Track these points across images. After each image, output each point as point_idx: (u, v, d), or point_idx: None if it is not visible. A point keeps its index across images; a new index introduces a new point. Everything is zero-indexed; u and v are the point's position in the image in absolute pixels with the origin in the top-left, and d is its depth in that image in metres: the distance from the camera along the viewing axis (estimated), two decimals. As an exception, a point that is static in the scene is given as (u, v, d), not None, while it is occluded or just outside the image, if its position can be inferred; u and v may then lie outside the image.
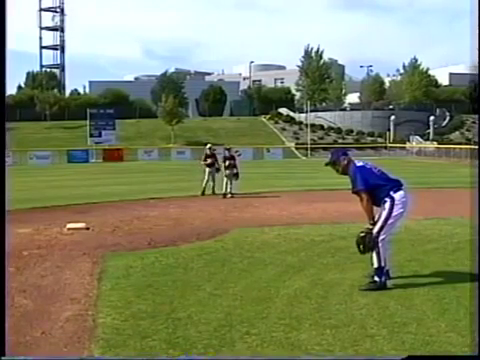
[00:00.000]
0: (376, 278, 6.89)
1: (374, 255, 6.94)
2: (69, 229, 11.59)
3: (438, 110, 71.93)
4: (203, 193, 18.95)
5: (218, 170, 19.33)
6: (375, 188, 7.00)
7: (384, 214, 6.93)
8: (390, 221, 6.92)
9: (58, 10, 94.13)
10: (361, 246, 7.04)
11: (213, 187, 19.22)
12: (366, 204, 6.96)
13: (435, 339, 5.15)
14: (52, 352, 5.05)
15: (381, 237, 6.89)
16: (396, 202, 6.93)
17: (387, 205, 6.94)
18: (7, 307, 5.67)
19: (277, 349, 4.96)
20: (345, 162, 7.24)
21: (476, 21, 6.78)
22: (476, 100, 64.78)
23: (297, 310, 6.05)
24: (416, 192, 12.27)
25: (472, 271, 7.65)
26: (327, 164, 7.47)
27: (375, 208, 7.07)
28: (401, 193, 7.04)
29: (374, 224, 6.93)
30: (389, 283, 6.94)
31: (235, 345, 5.06)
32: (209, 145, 20.95)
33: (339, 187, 18.76)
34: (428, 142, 63.21)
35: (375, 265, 6.92)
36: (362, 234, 7.00)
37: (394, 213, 6.92)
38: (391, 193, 6.98)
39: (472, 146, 52.94)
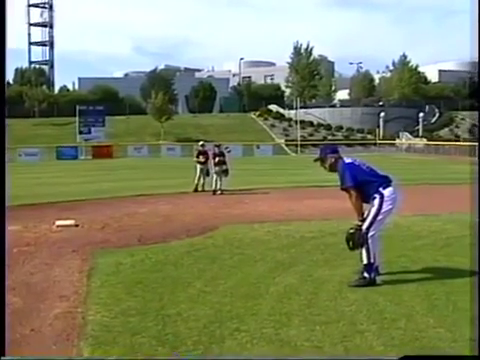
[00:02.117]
0: (365, 274, 6.91)
1: (363, 251, 6.96)
2: (58, 226, 11.55)
3: (427, 107, 72.08)
4: (196, 190, 18.94)
5: (208, 172, 19.29)
6: (364, 185, 7.01)
7: (373, 210, 6.95)
8: (379, 217, 6.94)
9: (47, 6, 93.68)
10: (350, 242, 7.06)
11: (203, 184, 19.21)
12: (355, 201, 6.98)
13: (424, 335, 5.17)
14: (41, 350, 5.03)
15: (370, 233, 6.91)
16: (385, 198, 6.96)
17: (376, 201, 6.96)
18: (7, 306, 5.65)
19: (267, 345, 4.97)
20: (333, 160, 7.25)
21: (476, 18, 6.82)
22: (476, 97, 65.02)
23: (287, 306, 6.06)
24: (405, 189, 12.32)
25: (461, 267, 7.70)
26: (316, 160, 7.51)
27: (364, 204, 7.09)
28: (390, 189, 7.06)
29: (363, 220, 6.95)
30: (378, 279, 6.97)
31: (225, 342, 5.06)
32: (201, 142, 21.08)
33: (329, 184, 18.78)
34: (417, 139, 63.43)
35: (364, 261, 6.94)
36: (351, 231, 7.02)
37: (383, 209, 6.94)
38: (380, 189, 7.00)
39: (461, 143, 53.27)
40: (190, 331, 5.31)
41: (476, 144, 46.38)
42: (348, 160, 7.28)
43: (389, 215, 7.11)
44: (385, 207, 6.95)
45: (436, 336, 5.14)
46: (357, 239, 6.96)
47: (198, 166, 19.48)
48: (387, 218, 7.15)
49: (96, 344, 5.04)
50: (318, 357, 4.80)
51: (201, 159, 19.61)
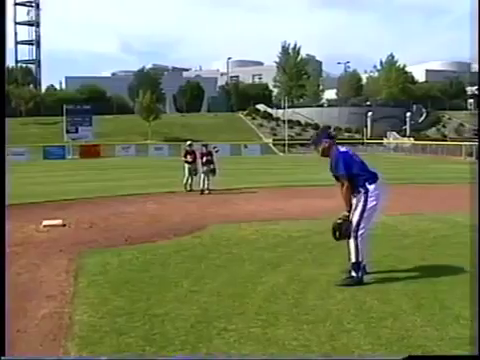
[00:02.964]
0: (353, 273, 6.92)
1: (352, 250, 6.95)
2: (45, 226, 11.49)
3: (414, 106, 72.39)
4: (186, 189, 18.90)
5: (196, 172, 19.26)
6: (354, 176, 6.99)
7: (360, 207, 6.93)
8: (366, 214, 6.92)
9: (33, 4, 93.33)
10: (337, 233, 7.05)
11: (191, 184, 19.17)
12: (345, 191, 6.95)
13: (411, 333, 5.19)
14: (28, 350, 5.00)
15: (360, 231, 6.90)
16: (369, 194, 6.94)
17: (361, 196, 6.93)
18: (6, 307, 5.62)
19: (254, 345, 4.96)
20: (326, 145, 7.22)
21: (476, 18, 6.86)
22: (469, 97, 65.44)
23: (274, 306, 6.06)
24: (393, 188, 12.37)
25: (448, 266, 7.75)
26: (311, 142, 7.53)
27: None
28: (374, 186, 7.03)
29: (350, 213, 6.93)
30: (366, 278, 6.98)
31: (212, 341, 5.05)
32: (189, 142, 21.05)
33: (317, 183, 18.86)
34: (405, 138, 63.67)
35: (352, 260, 6.94)
36: (339, 221, 7.01)
37: (368, 205, 6.92)
38: (366, 184, 6.97)
39: (448, 142, 53.58)
40: (177, 331, 5.30)
41: (463, 143, 46.76)
42: (343, 149, 7.25)
43: (375, 212, 7.10)
44: (370, 203, 6.93)
45: (423, 335, 5.16)
46: (344, 230, 6.95)
47: (186, 166, 19.46)
48: (374, 216, 7.14)
49: (83, 344, 5.02)
50: (319, 357, 4.79)
51: (189, 159, 19.58)
